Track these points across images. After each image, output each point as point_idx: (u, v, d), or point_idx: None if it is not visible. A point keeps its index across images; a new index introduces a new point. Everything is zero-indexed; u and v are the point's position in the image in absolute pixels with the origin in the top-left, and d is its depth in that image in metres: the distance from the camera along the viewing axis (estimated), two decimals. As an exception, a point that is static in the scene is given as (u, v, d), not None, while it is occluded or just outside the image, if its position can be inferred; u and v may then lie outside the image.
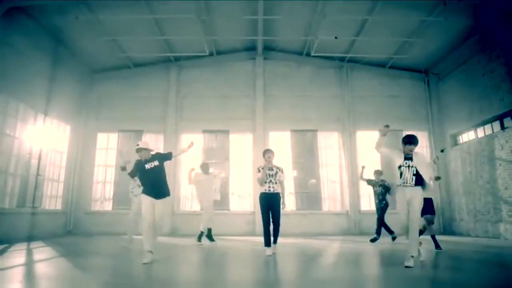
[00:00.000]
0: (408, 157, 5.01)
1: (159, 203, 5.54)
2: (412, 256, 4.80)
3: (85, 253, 6.88)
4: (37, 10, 9.88)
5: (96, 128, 13.26)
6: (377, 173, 9.41)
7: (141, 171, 5.62)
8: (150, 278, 4.30)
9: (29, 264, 5.23)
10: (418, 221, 4.91)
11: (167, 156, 5.83)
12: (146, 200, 5.46)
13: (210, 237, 8.36)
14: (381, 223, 9.04)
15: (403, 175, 4.96)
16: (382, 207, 9.05)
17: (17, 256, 6.13)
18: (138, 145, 5.61)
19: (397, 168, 5.04)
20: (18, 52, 9.64)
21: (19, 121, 9.77)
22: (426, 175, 4.97)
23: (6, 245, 7.77)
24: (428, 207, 6.78)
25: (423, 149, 13.28)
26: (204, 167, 8.66)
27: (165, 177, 5.77)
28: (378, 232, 9.02)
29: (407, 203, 4.91)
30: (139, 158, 5.60)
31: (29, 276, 4.26)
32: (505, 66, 9.85)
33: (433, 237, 7.13)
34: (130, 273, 4.65)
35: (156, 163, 5.60)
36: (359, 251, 7.25)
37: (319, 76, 13.82)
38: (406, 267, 4.66)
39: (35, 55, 10.38)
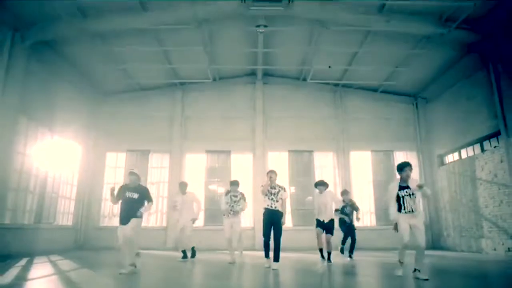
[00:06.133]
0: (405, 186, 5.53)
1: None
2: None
3: (101, 265, 7.61)
4: (56, 41, 10.82)
5: (106, 148, 14.07)
6: (345, 193, 9.42)
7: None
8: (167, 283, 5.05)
9: (60, 274, 5.96)
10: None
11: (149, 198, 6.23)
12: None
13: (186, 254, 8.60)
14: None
15: (405, 203, 5.45)
16: (351, 226, 9.21)
17: (43, 268, 6.86)
18: (132, 169, 6.19)
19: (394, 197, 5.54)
20: (38, 79, 10.52)
21: (38, 141, 10.57)
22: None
23: (27, 258, 8.48)
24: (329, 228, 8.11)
25: (413, 169, 14.13)
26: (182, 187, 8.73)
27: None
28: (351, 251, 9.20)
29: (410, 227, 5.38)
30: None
31: (64, 284, 5.00)
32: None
33: (329, 253, 8.12)
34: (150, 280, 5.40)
35: (135, 196, 6.00)
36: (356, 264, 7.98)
37: (315, 99, 14.74)
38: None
39: (52, 80, 11.21)
